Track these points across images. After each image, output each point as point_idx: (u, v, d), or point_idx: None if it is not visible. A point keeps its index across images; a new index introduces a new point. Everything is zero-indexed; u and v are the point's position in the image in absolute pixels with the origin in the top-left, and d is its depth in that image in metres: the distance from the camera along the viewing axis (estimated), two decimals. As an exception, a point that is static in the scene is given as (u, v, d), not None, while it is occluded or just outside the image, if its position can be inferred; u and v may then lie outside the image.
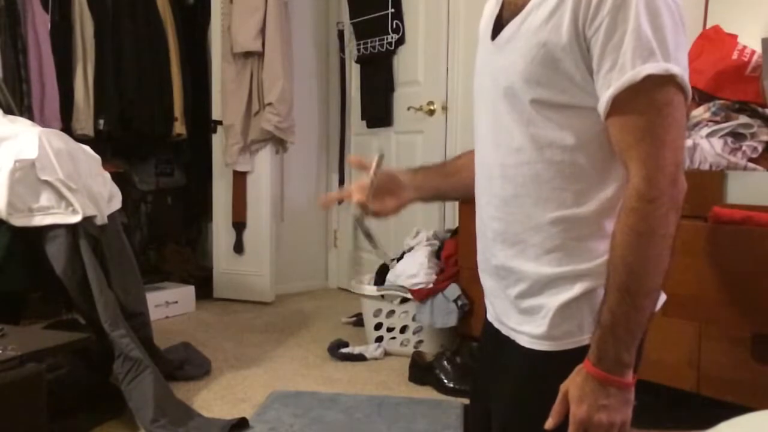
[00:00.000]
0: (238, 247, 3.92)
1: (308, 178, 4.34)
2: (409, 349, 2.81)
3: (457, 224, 2.97)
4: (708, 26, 2.28)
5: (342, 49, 4.21)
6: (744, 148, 1.90)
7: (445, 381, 2.47)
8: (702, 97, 2.04)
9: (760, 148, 1.90)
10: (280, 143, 3.84)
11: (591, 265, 0.94)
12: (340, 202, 1.19)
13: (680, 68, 0.85)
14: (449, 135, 3.43)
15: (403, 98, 3.72)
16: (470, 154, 1.14)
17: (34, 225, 2.00)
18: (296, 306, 3.88)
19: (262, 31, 3.66)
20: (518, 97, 0.94)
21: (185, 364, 2.57)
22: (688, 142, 1.94)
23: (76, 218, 2.04)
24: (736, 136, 1.92)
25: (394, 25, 3.77)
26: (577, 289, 0.94)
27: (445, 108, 3.44)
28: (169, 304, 3.54)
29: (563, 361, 0.93)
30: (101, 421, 2.09)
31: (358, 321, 3.27)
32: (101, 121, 3.53)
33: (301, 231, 4.29)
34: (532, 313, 0.98)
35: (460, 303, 2.65)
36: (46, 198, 2.02)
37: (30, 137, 2.05)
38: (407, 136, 3.71)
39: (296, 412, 2.19)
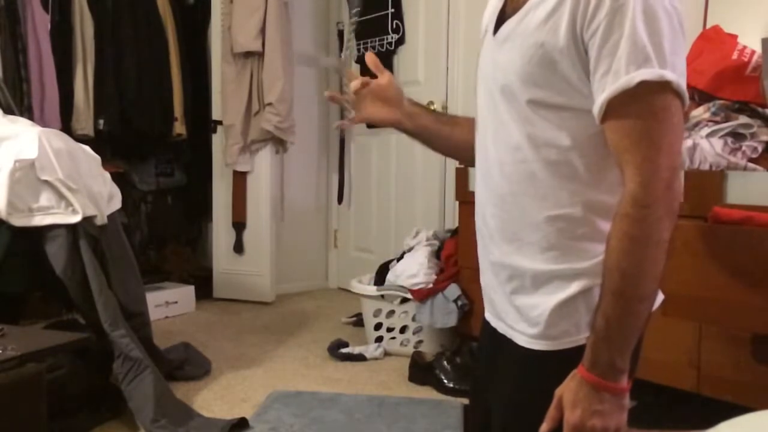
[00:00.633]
0: (238, 247, 3.92)
1: (308, 178, 4.33)
2: (409, 349, 2.81)
3: (457, 224, 2.97)
4: (708, 26, 2.28)
5: (341, 49, 4.21)
6: (744, 148, 1.90)
7: (445, 381, 2.47)
8: (702, 97, 2.04)
9: (760, 148, 1.90)
10: (280, 143, 3.84)
11: (588, 264, 0.94)
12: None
13: (676, 74, 0.84)
14: (449, 135, 3.43)
15: (403, 98, 3.72)
16: (470, 120, 1.16)
17: (34, 225, 2.00)
18: (296, 306, 3.87)
19: (262, 31, 3.66)
20: (515, 96, 0.94)
21: (185, 364, 2.57)
22: (688, 142, 1.94)
23: (76, 218, 2.04)
24: (736, 136, 1.92)
25: (394, 25, 3.77)
26: (573, 287, 0.94)
27: (445, 107, 3.44)
28: (169, 304, 3.54)
29: (561, 361, 0.93)
30: (101, 421, 2.09)
31: (358, 321, 3.27)
32: (101, 121, 3.53)
33: (301, 231, 4.29)
34: (529, 312, 0.98)
35: (460, 303, 2.65)
36: (46, 198, 2.02)
37: (30, 137, 2.05)
38: (407, 136, 3.70)
39: (296, 412, 2.19)
